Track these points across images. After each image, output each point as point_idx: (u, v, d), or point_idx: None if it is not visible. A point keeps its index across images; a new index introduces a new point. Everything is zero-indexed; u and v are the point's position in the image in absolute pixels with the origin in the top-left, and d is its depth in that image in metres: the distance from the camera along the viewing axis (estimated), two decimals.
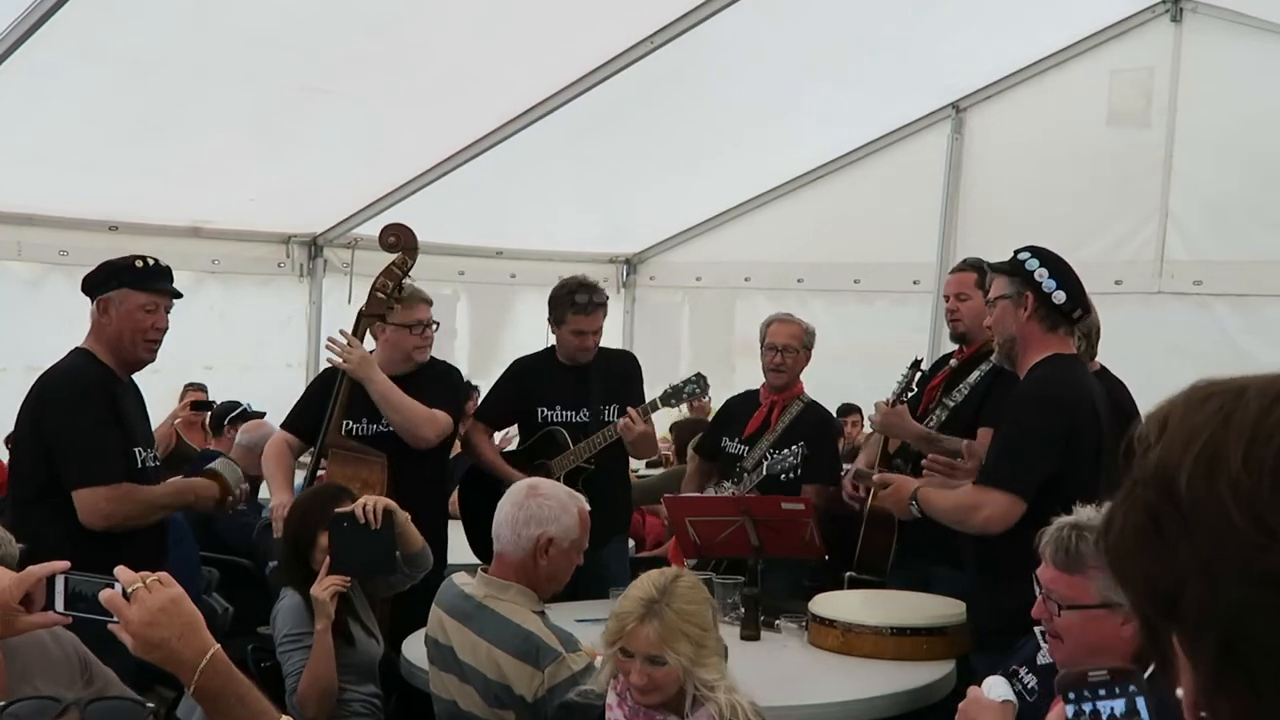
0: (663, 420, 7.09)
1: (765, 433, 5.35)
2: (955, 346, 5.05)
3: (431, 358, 5.02)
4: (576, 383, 5.30)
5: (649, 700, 2.91)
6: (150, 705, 2.44)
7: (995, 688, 2.78)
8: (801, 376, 5.51)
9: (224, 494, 4.36)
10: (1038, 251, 3.82)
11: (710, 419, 6.40)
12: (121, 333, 4.09)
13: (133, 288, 4.10)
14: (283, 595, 3.99)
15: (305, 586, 3.94)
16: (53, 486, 3.99)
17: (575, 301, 5.24)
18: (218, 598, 5.22)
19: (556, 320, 5.31)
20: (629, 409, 5.08)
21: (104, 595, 1.97)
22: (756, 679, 3.31)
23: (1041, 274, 3.74)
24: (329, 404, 4.79)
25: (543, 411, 5.30)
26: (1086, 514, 2.81)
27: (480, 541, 5.06)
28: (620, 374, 5.38)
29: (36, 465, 4.04)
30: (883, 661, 4.02)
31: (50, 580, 2.13)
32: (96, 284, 4.11)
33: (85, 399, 4.04)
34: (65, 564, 2.14)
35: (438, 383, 4.87)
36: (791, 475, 5.05)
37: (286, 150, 7.38)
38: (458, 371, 5.10)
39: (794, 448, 5.05)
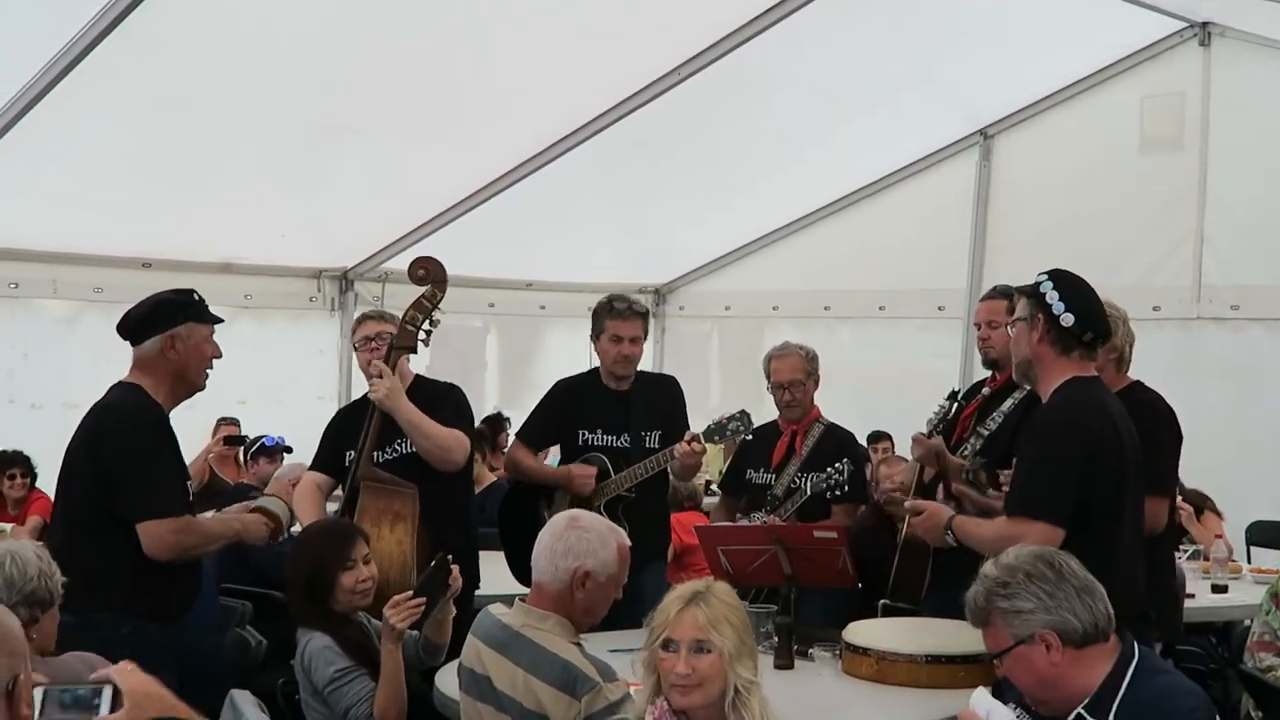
0: None
1: (791, 459, 5.36)
2: (987, 374, 5.04)
3: (427, 379, 5.02)
4: (618, 406, 5.30)
5: (690, 700, 2.89)
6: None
7: (996, 713, 2.78)
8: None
9: (276, 531, 4.46)
10: (1055, 274, 3.83)
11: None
12: (188, 365, 4.20)
13: (198, 321, 4.23)
14: (306, 639, 3.94)
15: (328, 625, 3.93)
16: (112, 520, 4.02)
17: (613, 307, 5.31)
18: (251, 630, 5.22)
19: (596, 332, 5.34)
20: (689, 433, 5.08)
21: None
22: (790, 708, 3.31)
23: (1052, 296, 3.76)
24: (358, 437, 4.80)
25: (584, 434, 5.31)
26: (986, 568, 2.97)
27: (521, 568, 5.06)
28: (663, 399, 5.38)
29: (94, 499, 4.06)
30: (917, 690, 3.99)
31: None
32: (158, 321, 4.17)
33: (150, 433, 4.12)
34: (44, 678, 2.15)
35: (443, 404, 4.86)
36: (839, 493, 5.06)
37: (317, 186, 7.44)
38: (459, 390, 5.09)
39: (838, 465, 5.05)
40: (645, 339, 5.38)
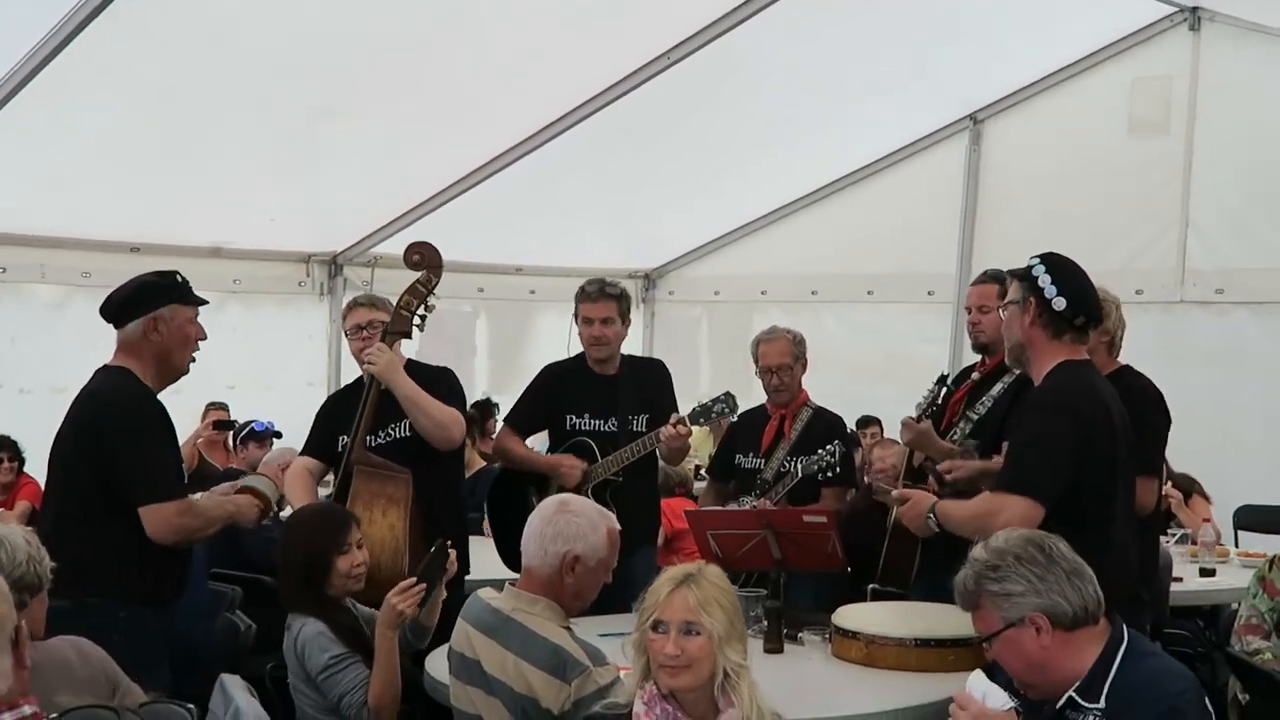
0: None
1: (780, 443, 5.37)
2: (976, 358, 5.05)
3: (419, 363, 5.01)
4: (605, 391, 5.30)
5: (679, 682, 2.89)
6: (190, 707, 2.44)
7: (993, 696, 2.78)
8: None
9: (264, 510, 4.43)
10: (1048, 258, 3.83)
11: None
12: (173, 347, 4.17)
13: (181, 303, 4.20)
14: (298, 624, 3.91)
15: (322, 611, 3.92)
16: (106, 505, 4.00)
17: (584, 290, 5.33)
18: (240, 615, 5.22)
19: (575, 316, 5.35)
20: (673, 416, 5.08)
21: None
22: (780, 692, 3.30)
23: (1045, 280, 3.75)
24: (351, 422, 4.79)
25: (571, 419, 5.30)
26: (975, 550, 2.97)
27: (510, 553, 5.07)
28: (649, 383, 5.38)
29: (86, 484, 4.04)
30: (907, 673, 3.99)
31: None
32: (140, 303, 4.14)
33: (147, 416, 4.10)
34: None
35: (436, 387, 4.85)
36: (830, 475, 5.10)
37: (306, 170, 7.42)
38: (451, 372, 5.09)
39: (829, 447, 5.09)
40: (622, 321, 5.33)
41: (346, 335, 5.07)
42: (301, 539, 4.07)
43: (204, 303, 4.31)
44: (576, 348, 5.45)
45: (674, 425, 5.05)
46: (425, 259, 4.84)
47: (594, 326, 5.27)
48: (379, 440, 4.78)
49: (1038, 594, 2.81)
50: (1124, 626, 2.89)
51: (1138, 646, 2.87)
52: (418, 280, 4.83)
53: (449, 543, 4.00)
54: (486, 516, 5.64)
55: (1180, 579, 5.77)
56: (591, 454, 5.22)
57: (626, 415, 5.25)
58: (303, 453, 5.13)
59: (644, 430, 5.20)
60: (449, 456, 4.85)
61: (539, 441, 6.13)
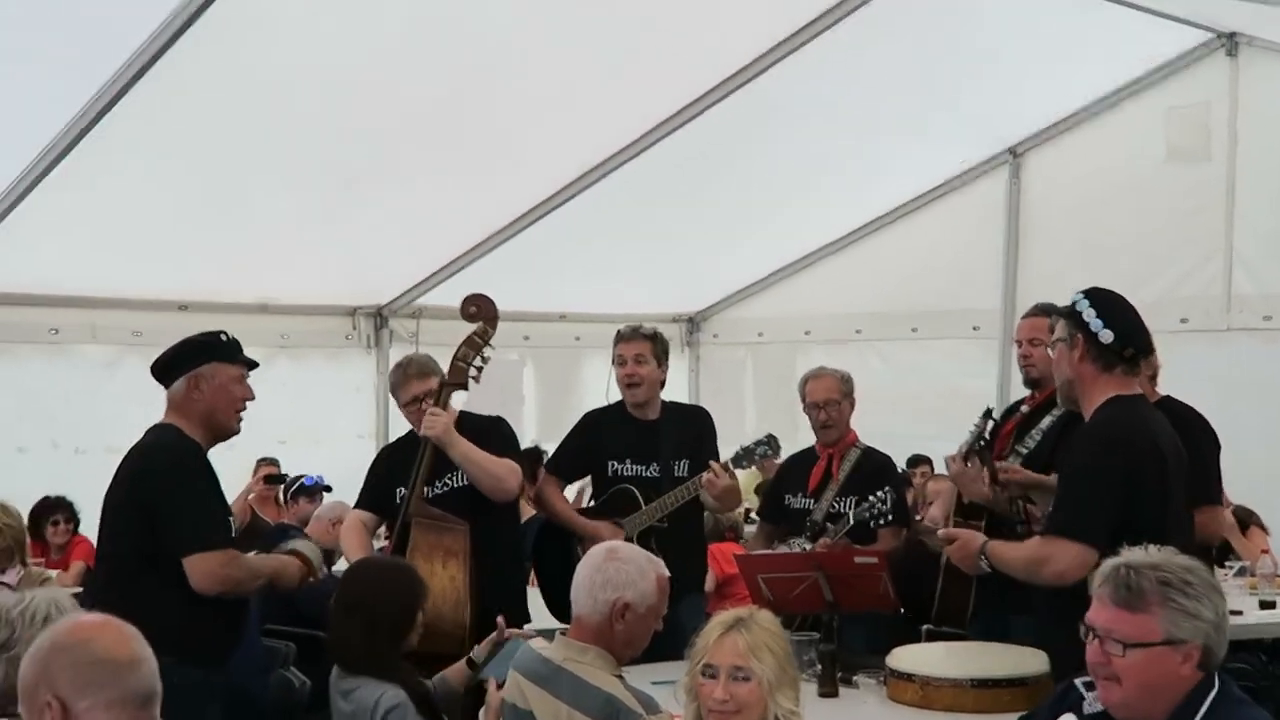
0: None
1: (829, 484, 5.34)
2: (1025, 392, 5.01)
3: (472, 414, 5.04)
4: (647, 436, 5.30)
5: None
6: None
7: None
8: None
9: (306, 574, 4.44)
10: (1091, 292, 3.81)
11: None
12: (215, 406, 4.21)
13: (223, 361, 4.25)
14: (373, 691, 3.82)
15: (402, 676, 3.88)
16: (156, 561, 4.03)
17: (619, 333, 5.38)
18: (295, 672, 5.23)
19: (613, 362, 5.38)
20: (712, 463, 5.07)
21: None
22: None
23: (1089, 314, 3.73)
24: (407, 474, 4.82)
25: (613, 465, 5.30)
26: (1136, 554, 2.81)
27: (556, 602, 5.07)
28: (691, 428, 5.37)
29: (136, 540, 4.07)
30: (964, 715, 3.96)
31: None
32: (183, 362, 4.21)
33: (192, 469, 4.15)
34: None
35: (491, 437, 4.89)
36: (883, 521, 5.07)
37: (349, 224, 7.49)
38: (505, 421, 5.12)
39: (881, 493, 5.06)
40: (658, 363, 5.32)
41: (401, 407, 5.08)
42: (396, 591, 4.02)
43: (253, 365, 4.35)
44: (615, 395, 5.47)
45: (714, 471, 5.03)
46: (481, 310, 4.91)
47: (627, 365, 5.29)
48: (436, 490, 4.82)
49: (1216, 629, 2.70)
50: (1217, 673, 2.76)
51: (1230, 692, 2.73)
52: (474, 332, 4.90)
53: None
54: (533, 566, 5.64)
55: (1240, 612, 5.68)
56: (634, 501, 5.21)
57: (669, 460, 5.25)
58: (357, 506, 5.17)
59: (686, 475, 5.19)
60: (505, 505, 4.87)
61: (582, 486, 6.14)
